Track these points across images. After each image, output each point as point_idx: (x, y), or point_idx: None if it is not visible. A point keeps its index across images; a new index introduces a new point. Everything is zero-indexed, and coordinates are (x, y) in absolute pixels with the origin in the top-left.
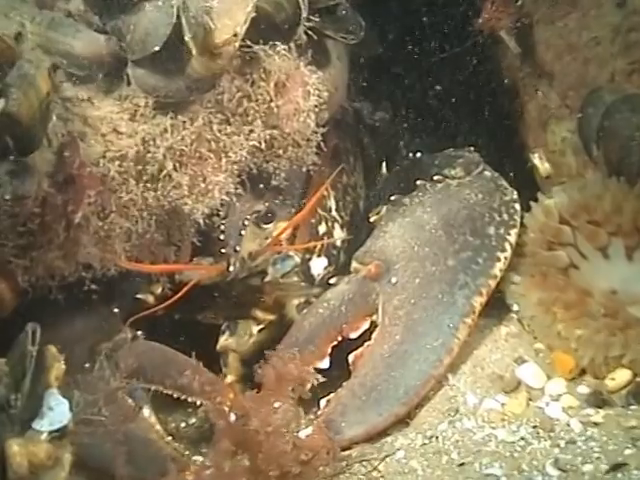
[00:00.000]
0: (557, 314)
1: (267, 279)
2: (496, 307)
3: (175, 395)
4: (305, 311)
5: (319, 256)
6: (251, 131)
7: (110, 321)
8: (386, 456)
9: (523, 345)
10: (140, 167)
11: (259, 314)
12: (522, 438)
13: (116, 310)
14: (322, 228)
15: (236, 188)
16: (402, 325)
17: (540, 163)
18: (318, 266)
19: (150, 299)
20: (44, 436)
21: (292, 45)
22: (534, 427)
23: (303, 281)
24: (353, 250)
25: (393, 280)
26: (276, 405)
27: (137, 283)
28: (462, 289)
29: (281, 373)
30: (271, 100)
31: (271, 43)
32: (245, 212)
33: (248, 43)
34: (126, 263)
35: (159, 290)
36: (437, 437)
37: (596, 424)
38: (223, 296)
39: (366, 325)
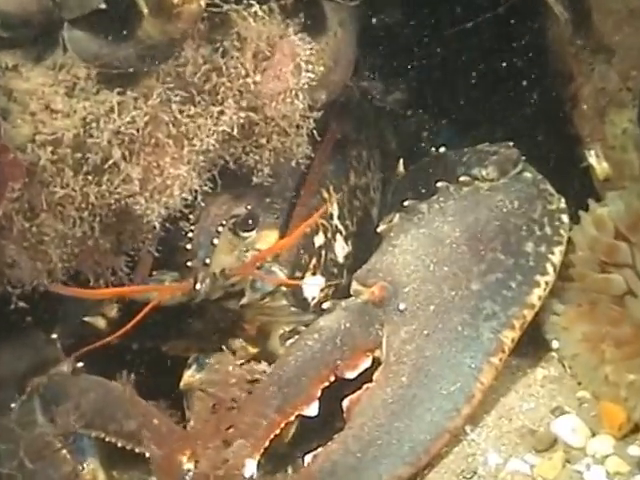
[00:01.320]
0: (606, 353)
1: (244, 301)
2: (531, 344)
3: (119, 444)
4: (291, 343)
5: (314, 274)
6: (222, 113)
7: (45, 350)
8: None
9: (563, 392)
10: (79, 155)
11: (238, 346)
12: None
13: (54, 336)
14: (319, 239)
15: (203, 185)
16: (411, 364)
17: (597, 162)
18: (313, 287)
19: (101, 323)
20: None
21: (274, 6)
22: None
23: (293, 305)
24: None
25: (402, 306)
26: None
27: (84, 303)
28: (489, 320)
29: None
30: (247, 75)
31: (245, 2)
32: (220, 216)
33: (216, 1)
34: (58, 287)
35: (113, 312)
36: None
37: None
38: (192, 322)
39: (366, 363)
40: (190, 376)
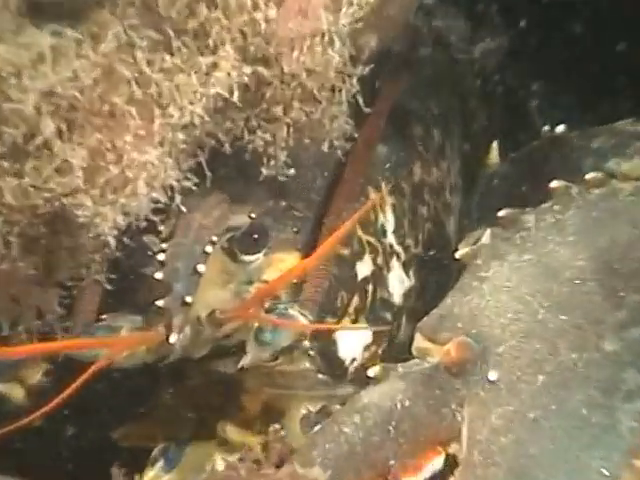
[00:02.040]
0: None
1: (245, 362)
2: None
3: None
4: (317, 430)
5: (355, 321)
6: (215, 66)
7: None
8: None
9: None
10: None
11: (231, 432)
12: None
13: None
14: (364, 267)
15: (184, 179)
16: (506, 467)
17: None
18: (353, 342)
19: (17, 393)
20: None
21: None
22: None
23: (322, 371)
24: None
25: (493, 376)
26: None
27: None
28: (631, 401)
29: None
30: (255, 7)
31: None
32: (209, 229)
33: None
34: None
35: (37, 377)
36: None
37: None
38: (161, 395)
39: (436, 463)
40: (154, 478)
